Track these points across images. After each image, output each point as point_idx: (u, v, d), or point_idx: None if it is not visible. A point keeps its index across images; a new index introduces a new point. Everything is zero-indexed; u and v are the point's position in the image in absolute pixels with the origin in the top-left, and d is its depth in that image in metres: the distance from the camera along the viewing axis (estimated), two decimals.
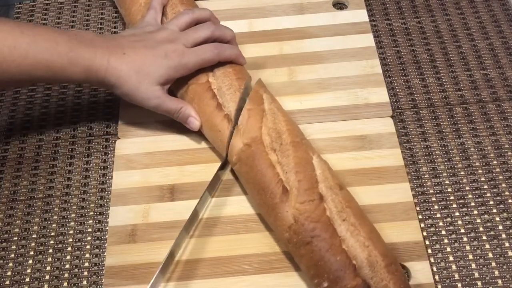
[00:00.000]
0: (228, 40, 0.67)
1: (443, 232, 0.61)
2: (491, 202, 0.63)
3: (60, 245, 0.62)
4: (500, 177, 0.65)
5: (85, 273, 0.60)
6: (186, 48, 0.63)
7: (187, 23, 0.66)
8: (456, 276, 0.58)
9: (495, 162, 0.66)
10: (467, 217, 0.62)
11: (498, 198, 0.63)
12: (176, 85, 0.66)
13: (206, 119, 0.63)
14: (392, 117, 0.69)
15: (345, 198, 0.56)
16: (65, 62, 0.59)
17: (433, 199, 0.63)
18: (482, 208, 0.63)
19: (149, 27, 0.66)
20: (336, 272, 0.51)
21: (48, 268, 0.60)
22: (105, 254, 0.60)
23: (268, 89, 0.70)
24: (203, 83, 0.64)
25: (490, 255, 0.60)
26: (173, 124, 0.69)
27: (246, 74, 0.67)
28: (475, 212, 0.62)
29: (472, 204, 0.63)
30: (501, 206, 0.63)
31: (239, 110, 0.62)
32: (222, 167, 0.64)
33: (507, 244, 0.60)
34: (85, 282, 0.59)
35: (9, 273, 0.60)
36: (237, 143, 0.60)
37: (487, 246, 0.60)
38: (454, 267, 0.59)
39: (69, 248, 0.62)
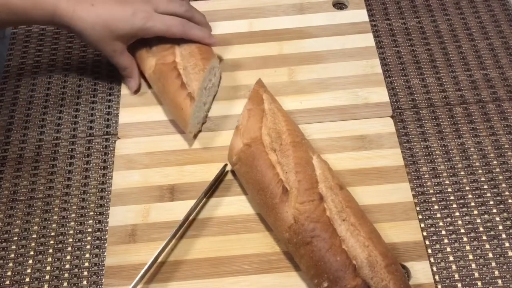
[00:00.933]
0: (197, 23, 0.70)
1: (443, 232, 0.61)
2: (491, 202, 0.63)
3: (60, 245, 0.62)
4: (500, 177, 0.65)
5: (85, 273, 0.60)
6: (155, 13, 0.66)
7: None
8: (456, 276, 0.58)
9: (495, 162, 0.66)
10: (467, 217, 0.62)
11: (498, 198, 0.63)
12: (144, 65, 0.69)
13: (171, 98, 0.66)
14: (392, 117, 0.69)
15: (345, 198, 0.56)
16: (28, 6, 0.61)
17: (433, 199, 0.63)
18: (482, 208, 0.63)
19: None
20: (336, 272, 0.51)
21: (48, 268, 0.60)
22: (105, 254, 0.60)
23: (268, 89, 0.70)
24: (170, 63, 0.67)
25: (490, 255, 0.60)
26: (173, 124, 0.69)
27: (212, 54, 0.69)
28: (475, 212, 0.62)
29: (472, 204, 0.63)
30: (501, 206, 0.63)
31: (202, 89, 0.66)
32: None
33: (507, 244, 0.60)
34: (85, 282, 0.59)
35: (9, 273, 0.60)
36: (237, 143, 0.60)
37: (487, 246, 0.60)
38: (454, 267, 0.59)
39: (69, 248, 0.61)
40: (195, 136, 0.68)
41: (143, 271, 0.55)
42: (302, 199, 0.54)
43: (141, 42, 0.69)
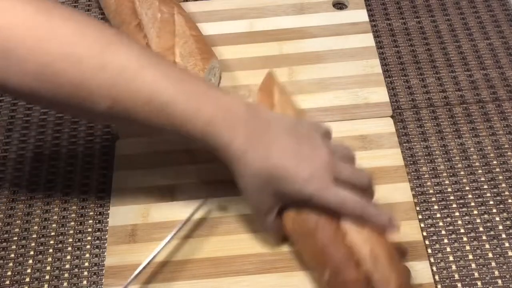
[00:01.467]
0: (369, 197, 0.55)
1: (443, 232, 0.61)
2: (491, 202, 0.63)
3: (60, 245, 0.62)
4: (500, 177, 0.65)
5: (85, 273, 0.60)
6: (331, 183, 0.51)
7: (348, 171, 0.53)
8: (456, 276, 0.58)
9: (495, 162, 0.66)
10: (467, 217, 0.62)
11: (498, 198, 0.63)
12: None
13: None
14: (392, 117, 0.69)
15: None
16: (198, 136, 0.50)
17: (433, 199, 0.63)
18: (482, 208, 0.63)
19: (316, 133, 0.54)
20: (339, 264, 0.51)
21: (48, 268, 0.60)
22: (105, 254, 0.60)
23: None
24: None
25: (490, 255, 0.60)
26: None
27: (212, 54, 0.69)
28: (475, 212, 0.62)
29: (472, 204, 0.63)
30: (501, 206, 0.63)
31: None
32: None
33: (507, 244, 0.60)
34: (85, 282, 0.59)
35: (9, 273, 0.60)
36: None
37: (487, 246, 0.60)
38: (454, 267, 0.59)
39: (69, 248, 0.61)
40: None
41: (135, 272, 0.55)
42: None
43: (140, 42, 0.69)
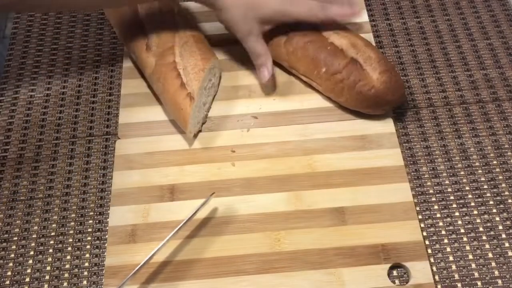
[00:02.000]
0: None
1: (443, 232, 0.61)
2: (491, 202, 0.63)
3: (60, 245, 0.62)
4: (500, 177, 0.65)
5: (85, 273, 0.60)
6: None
7: None
8: (456, 276, 0.58)
9: (495, 162, 0.66)
10: (467, 217, 0.62)
11: (498, 198, 0.63)
12: (143, 65, 0.69)
13: (170, 98, 0.65)
14: (392, 117, 0.69)
15: None
16: None
17: (433, 199, 0.63)
18: (482, 208, 0.63)
19: None
20: (329, 57, 0.66)
21: (48, 268, 0.60)
22: (105, 254, 0.60)
23: (268, 89, 0.70)
24: (169, 63, 0.66)
25: (490, 255, 0.60)
26: (173, 124, 0.69)
27: (212, 54, 0.70)
28: (475, 212, 0.62)
29: (472, 204, 0.63)
30: (501, 206, 0.63)
31: (202, 89, 0.66)
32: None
33: (507, 244, 0.60)
34: (85, 282, 0.59)
35: (9, 273, 0.60)
36: None
37: (487, 246, 0.60)
38: (454, 267, 0.59)
39: (69, 248, 0.61)
40: (195, 136, 0.68)
41: (134, 270, 0.54)
42: None
43: (140, 42, 0.69)
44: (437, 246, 0.60)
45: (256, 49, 0.66)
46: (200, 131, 0.68)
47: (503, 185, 0.64)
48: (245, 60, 0.74)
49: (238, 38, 0.67)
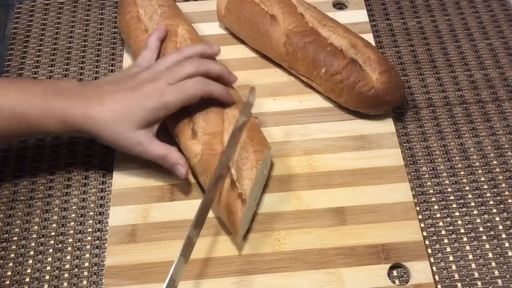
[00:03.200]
0: (217, 75, 0.63)
1: (443, 232, 0.61)
2: (491, 202, 0.63)
3: (60, 245, 0.62)
4: (500, 177, 0.65)
5: (85, 273, 0.60)
6: (167, 86, 0.59)
7: (174, 62, 0.62)
8: (456, 276, 0.58)
9: (495, 162, 0.66)
10: (467, 217, 0.62)
11: (498, 198, 0.63)
12: (188, 152, 0.61)
13: (219, 196, 0.58)
14: (392, 117, 0.69)
15: (320, 12, 0.70)
16: (40, 114, 0.57)
17: (433, 199, 0.63)
18: (482, 208, 0.63)
19: (135, 69, 0.63)
20: (329, 58, 0.66)
21: (48, 268, 0.60)
22: (105, 254, 0.60)
23: (268, 89, 0.70)
24: (218, 153, 0.59)
25: (490, 255, 0.60)
26: None
27: (265, 145, 0.61)
28: (475, 212, 0.62)
29: (472, 204, 0.63)
30: (501, 206, 0.63)
31: (254, 188, 0.58)
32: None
33: (507, 244, 0.60)
34: (85, 282, 0.59)
35: (9, 273, 0.60)
36: (222, 1, 0.73)
37: (487, 246, 0.60)
38: (454, 267, 0.59)
39: (69, 248, 0.61)
40: None
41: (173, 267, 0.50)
42: (288, 21, 0.68)
43: (185, 126, 0.62)
44: (437, 246, 0.60)
45: (155, 153, 0.60)
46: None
47: (503, 185, 0.64)
48: (245, 60, 0.74)
49: (134, 154, 0.61)
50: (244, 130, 0.60)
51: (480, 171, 0.65)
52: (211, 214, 0.62)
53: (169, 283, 0.48)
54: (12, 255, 0.61)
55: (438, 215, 0.62)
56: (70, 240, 0.62)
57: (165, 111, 0.59)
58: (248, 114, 0.61)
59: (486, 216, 0.62)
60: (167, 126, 0.64)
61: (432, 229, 0.61)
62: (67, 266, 0.60)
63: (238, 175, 0.58)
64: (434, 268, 0.59)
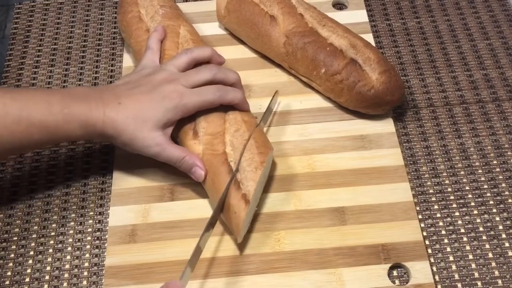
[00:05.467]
0: (232, 84, 0.63)
1: (443, 232, 0.61)
2: (491, 202, 0.63)
3: (60, 245, 0.62)
4: (500, 177, 0.65)
5: (85, 273, 0.60)
6: (186, 89, 0.60)
7: (185, 63, 0.63)
8: (456, 276, 0.58)
9: (495, 162, 0.66)
10: (467, 217, 0.62)
11: (498, 198, 0.63)
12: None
13: (221, 196, 0.57)
14: (392, 117, 0.69)
15: (320, 12, 0.71)
16: (60, 120, 0.56)
17: (433, 199, 0.63)
18: (482, 208, 0.63)
19: (146, 70, 0.63)
20: (329, 58, 0.66)
21: (48, 268, 0.60)
22: (105, 254, 0.60)
23: (268, 89, 0.70)
24: (219, 154, 0.59)
25: (490, 255, 0.60)
26: None
27: (269, 146, 0.61)
28: (475, 212, 0.62)
29: (472, 204, 0.63)
30: (501, 206, 0.63)
31: (257, 188, 0.58)
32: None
33: (507, 244, 0.60)
34: (85, 282, 0.59)
35: (9, 273, 0.60)
36: (222, 1, 0.73)
37: (487, 246, 0.60)
38: (454, 267, 0.59)
39: (69, 248, 0.61)
40: None
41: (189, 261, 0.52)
42: (288, 22, 0.68)
43: (186, 126, 0.62)
44: (437, 246, 0.60)
45: (174, 154, 0.59)
46: None
47: (503, 185, 0.64)
48: (245, 60, 0.74)
49: (149, 156, 0.60)
50: (245, 130, 0.60)
51: (480, 171, 0.65)
52: (210, 214, 0.62)
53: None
54: (12, 255, 0.61)
55: (438, 215, 0.62)
56: (70, 240, 0.62)
57: (183, 113, 0.60)
58: (267, 120, 0.63)
59: (486, 216, 0.62)
60: None
61: (432, 229, 0.61)
62: (67, 266, 0.60)
63: (243, 176, 0.57)
64: (434, 268, 0.59)
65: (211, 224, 0.55)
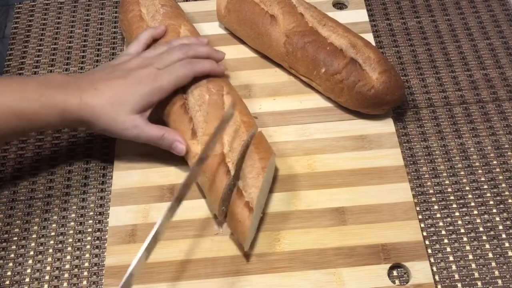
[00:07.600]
0: (205, 57, 0.65)
1: (443, 232, 0.61)
2: (491, 202, 0.63)
3: (60, 245, 0.62)
4: (500, 177, 0.65)
5: (85, 273, 0.60)
6: (159, 70, 0.61)
7: (163, 51, 0.64)
8: (456, 276, 0.58)
9: (495, 162, 0.66)
10: (467, 217, 0.62)
11: (498, 198, 0.63)
12: (187, 154, 0.62)
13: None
14: (392, 117, 0.69)
15: (320, 12, 0.71)
16: (37, 107, 0.57)
17: (433, 199, 0.63)
18: (482, 208, 0.63)
19: (123, 57, 0.65)
20: (329, 57, 0.66)
21: (48, 268, 0.60)
22: (105, 254, 0.60)
23: (268, 89, 0.70)
24: (217, 155, 0.59)
25: (490, 255, 0.60)
26: None
27: (270, 151, 0.60)
28: (475, 212, 0.62)
29: (472, 204, 0.63)
30: (501, 206, 0.63)
31: (260, 195, 0.57)
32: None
33: (507, 244, 0.60)
34: (85, 282, 0.59)
35: (9, 273, 0.60)
36: (222, 0, 0.73)
37: (487, 246, 0.60)
38: (454, 267, 0.59)
39: (69, 248, 0.61)
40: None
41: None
42: (288, 21, 0.68)
43: (185, 126, 0.62)
44: (437, 246, 0.60)
45: (152, 133, 0.61)
46: None
47: (503, 185, 0.64)
48: (245, 60, 0.74)
49: (128, 139, 0.61)
50: (244, 131, 0.60)
51: (480, 171, 0.65)
52: (210, 214, 0.62)
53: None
54: (12, 255, 0.61)
55: (438, 215, 0.62)
56: (70, 240, 0.62)
57: (160, 95, 0.61)
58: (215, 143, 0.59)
59: (486, 216, 0.62)
60: (168, 125, 0.64)
61: (432, 229, 0.61)
62: (67, 266, 0.60)
63: (244, 183, 0.57)
64: (434, 268, 0.59)
65: (178, 197, 0.54)
